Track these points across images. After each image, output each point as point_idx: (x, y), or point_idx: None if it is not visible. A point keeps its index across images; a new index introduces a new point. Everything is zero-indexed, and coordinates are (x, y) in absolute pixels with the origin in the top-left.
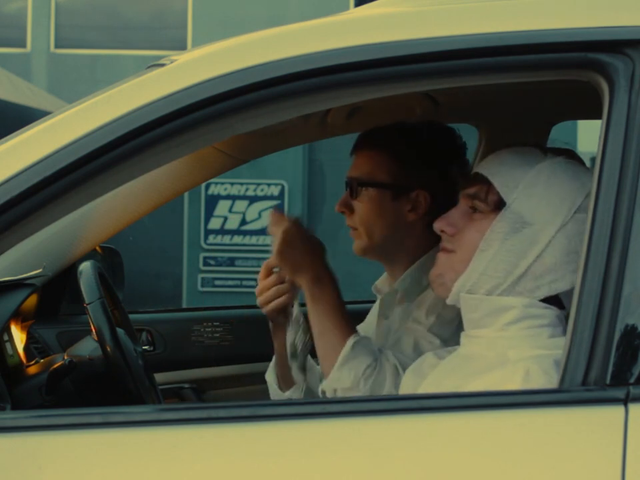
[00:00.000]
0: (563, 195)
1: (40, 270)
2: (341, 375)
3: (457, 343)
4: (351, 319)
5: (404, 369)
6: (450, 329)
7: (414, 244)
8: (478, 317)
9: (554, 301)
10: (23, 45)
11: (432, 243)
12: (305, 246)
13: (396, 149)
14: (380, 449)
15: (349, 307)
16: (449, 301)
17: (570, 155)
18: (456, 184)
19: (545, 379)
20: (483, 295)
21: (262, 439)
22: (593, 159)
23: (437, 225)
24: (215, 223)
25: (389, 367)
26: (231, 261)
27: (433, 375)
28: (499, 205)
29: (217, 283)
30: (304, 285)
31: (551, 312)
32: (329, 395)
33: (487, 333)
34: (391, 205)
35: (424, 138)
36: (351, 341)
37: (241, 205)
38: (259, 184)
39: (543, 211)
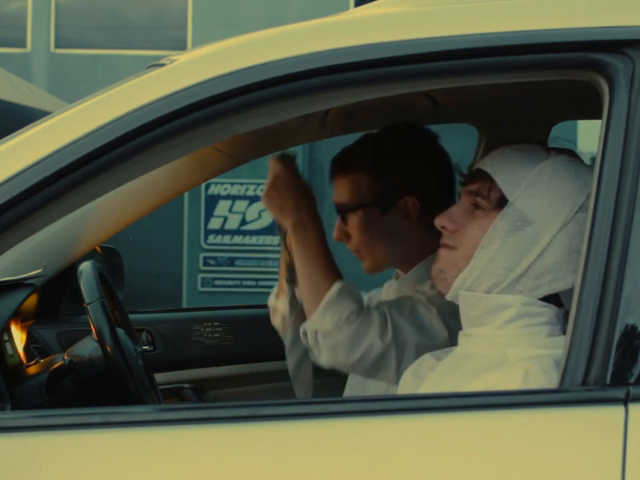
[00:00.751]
0: (565, 194)
1: (40, 270)
2: (324, 317)
3: (453, 316)
4: (336, 266)
5: (394, 324)
6: (449, 303)
7: (418, 247)
8: (476, 314)
9: (552, 299)
10: (23, 45)
11: (436, 241)
12: (291, 191)
13: (368, 165)
14: (380, 449)
15: None
16: (448, 297)
17: (571, 154)
18: (440, 179)
19: (544, 379)
20: (482, 293)
21: (262, 439)
22: (593, 159)
23: (438, 221)
24: (214, 223)
25: (377, 316)
26: (231, 261)
27: (431, 376)
28: (501, 202)
29: (217, 282)
30: (288, 227)
31: (550, 310)
32: (309, 336)
33: (486, 331)
34: (382, 220)
35: (392, 145)
36: (337, 286)
37: (240, 205)
38: (258, 184)
39: (545, 210)
